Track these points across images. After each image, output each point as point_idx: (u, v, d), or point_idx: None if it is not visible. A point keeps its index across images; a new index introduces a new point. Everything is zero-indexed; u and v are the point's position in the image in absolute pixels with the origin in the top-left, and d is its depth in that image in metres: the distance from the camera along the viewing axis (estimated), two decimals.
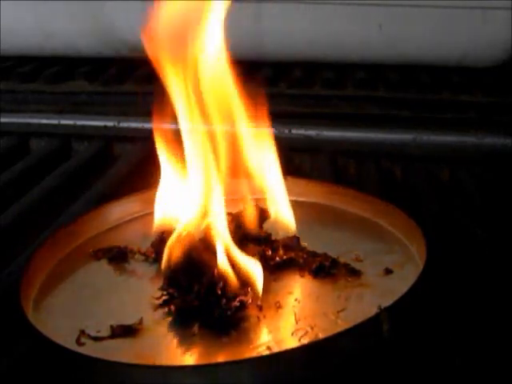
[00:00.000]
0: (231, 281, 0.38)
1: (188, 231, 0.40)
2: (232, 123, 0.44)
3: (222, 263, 0.38)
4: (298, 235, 0.44)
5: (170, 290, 0.39)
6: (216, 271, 0.38)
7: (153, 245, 0.45)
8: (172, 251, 0.40)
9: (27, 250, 0.48)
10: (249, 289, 0.38)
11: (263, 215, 0.44)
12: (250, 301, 0.38)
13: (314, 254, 0.43)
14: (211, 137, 0.43)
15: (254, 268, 0.38)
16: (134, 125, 0.74)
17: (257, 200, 0.46)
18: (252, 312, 0.38)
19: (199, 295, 0.37)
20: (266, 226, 0.45)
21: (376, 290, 0.40)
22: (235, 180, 0.46)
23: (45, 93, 0.81)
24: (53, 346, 0.35)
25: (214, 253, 0.39)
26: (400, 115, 0.73)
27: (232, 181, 0.45)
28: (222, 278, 0.38)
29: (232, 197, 0.45)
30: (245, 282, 0.38)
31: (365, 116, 0.73)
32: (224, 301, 0.37)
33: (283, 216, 0.46)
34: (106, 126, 0.75)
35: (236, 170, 0.45)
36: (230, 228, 0.40)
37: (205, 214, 0.41)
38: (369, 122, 0.72)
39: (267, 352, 0.35)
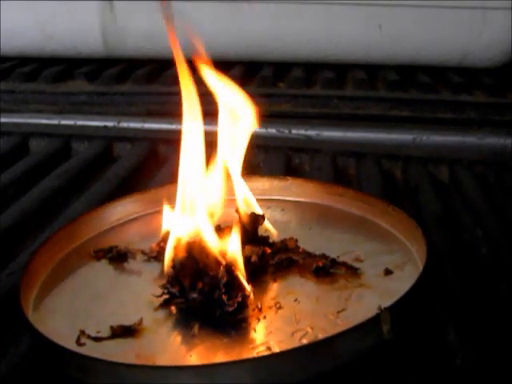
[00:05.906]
0: (233, 278, 0.38)
1: (190, 231, 0.40)
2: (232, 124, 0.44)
3: (224, 262, 0.38)
4: (296, 236, 0.44)
5: (172, 289, 0.39)
6: (221, 269, 0.38)
7: (157, 244, 0.45)
8: (175, 250, 0.40)
9: (27, 250, 0.48)
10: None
11: (258, 219, 0.44)
12: (252, 296, 0.38)
13: (313, 255, 0.43)
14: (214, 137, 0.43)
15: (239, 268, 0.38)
16: (133, 125, 0.74)
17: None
18: (252, 312, 0.38)
19: (202, 293, 0.38)
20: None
21: (376, 291, 0.40)
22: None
23: (45, 93, 0.81)
24: (53, 346, 0.35)
25: (215, 252, 0.39)
26: (400, 115, 0.73)
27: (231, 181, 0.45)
28: (225, 275, 0.38)
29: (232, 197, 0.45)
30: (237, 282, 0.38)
31: (365, 116, 0.73)
32: (227, 296, 0.37)
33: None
34: (106, 126, 0.75)
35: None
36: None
37: (209, 215, 0.41)
38: (369, 122, 0.72)
39: (267, 352, 0.35)
